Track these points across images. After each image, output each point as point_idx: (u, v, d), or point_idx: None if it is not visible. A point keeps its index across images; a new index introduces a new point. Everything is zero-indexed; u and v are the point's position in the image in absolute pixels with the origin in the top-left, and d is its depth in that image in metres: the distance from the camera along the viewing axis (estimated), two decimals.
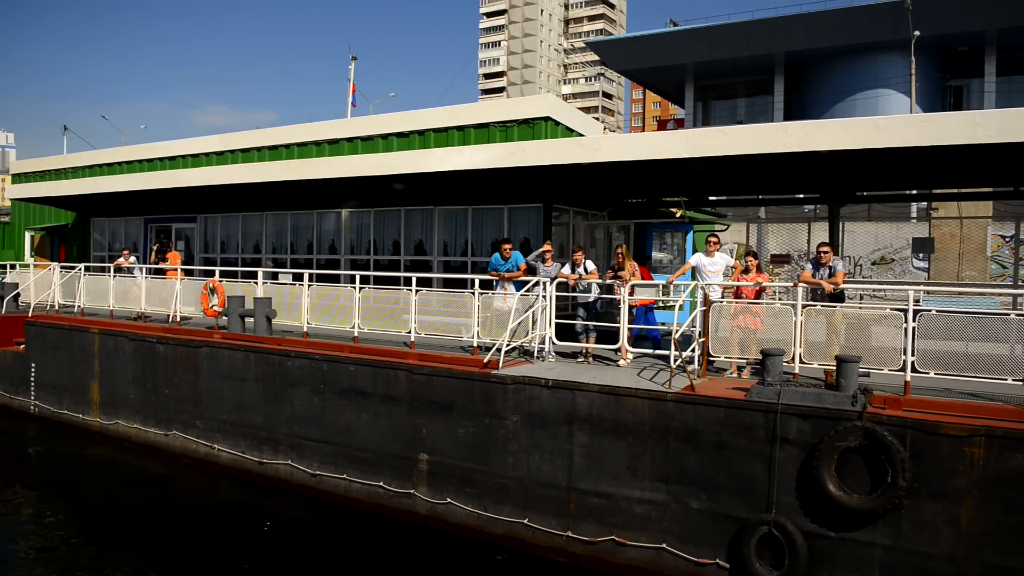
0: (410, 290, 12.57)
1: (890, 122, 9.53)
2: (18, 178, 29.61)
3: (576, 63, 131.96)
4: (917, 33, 35.33)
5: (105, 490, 13.83)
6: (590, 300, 12.03)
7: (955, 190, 16.24)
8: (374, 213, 17.98)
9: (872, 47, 46.00)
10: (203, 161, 22.78)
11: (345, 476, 12.06)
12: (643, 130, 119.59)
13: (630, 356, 11.46)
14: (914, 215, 27.32)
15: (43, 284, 19.49)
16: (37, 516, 12.25)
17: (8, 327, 18.63)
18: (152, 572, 10.00)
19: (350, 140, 19.45)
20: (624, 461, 9.48)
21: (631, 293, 11.38)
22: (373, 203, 17.89)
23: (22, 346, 18.24)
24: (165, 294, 16.48)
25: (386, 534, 11.11)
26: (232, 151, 22.09)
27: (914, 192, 16.34)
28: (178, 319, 15.88)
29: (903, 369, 8.65)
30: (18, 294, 19.30)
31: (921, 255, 22.73)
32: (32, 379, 17.85)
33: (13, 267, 22.67)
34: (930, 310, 8.98)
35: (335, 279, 15.80)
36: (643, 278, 11.95)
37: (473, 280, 12.12)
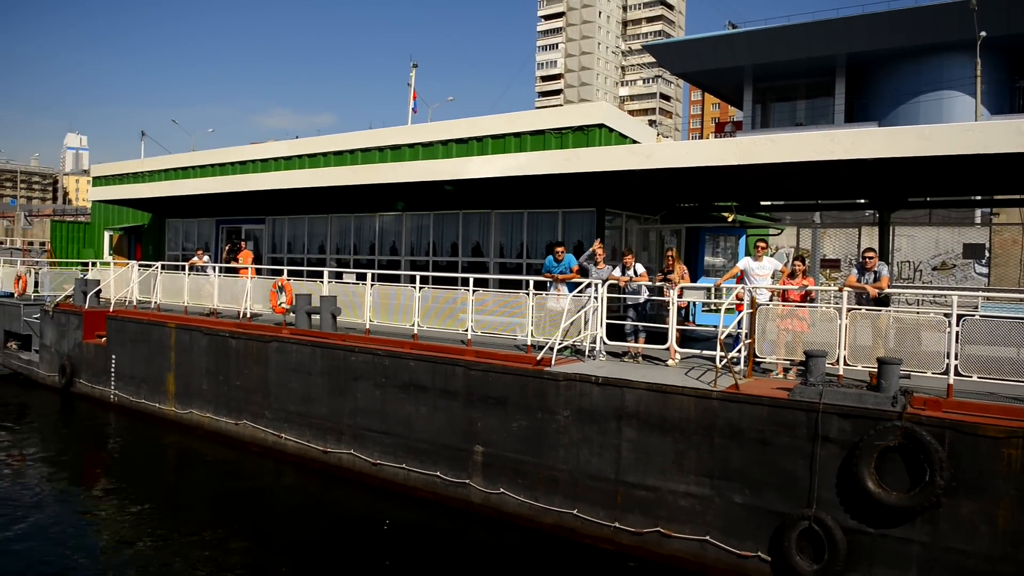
0: (467, 290, 13.07)
1: (935, 131, 9.70)
2: (98, 181, 31.14)
3: (634, 65, 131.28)
4: (983, 34, 34.48)
5: (182, 475, 14.77)
6: (640, 301, 12.45)
7: (1016, 196, 16.06)
8: (433, 216, 18.59)
9: (937, 48, 44.79)
10: (271, 166, 23.70)
11: (404, 466, 12.68)
12: (702, 132, 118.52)
13: (678, 356, 11.83)
14: (978, 220, 26.83)
15: (122, 281, 20.56)
16: (119, 499, 13.16)
17: (91, 321, 19.76)
18: (229, 554, 10.74)
19: (411, 146, 20.05)
20: (670, 456, 9.86)
21: (680, 295, 11.76)
22: (432, 206, 18.47)
23: (103, 339, 19.34)
24: (236, 291, 17.38)
25: (442, 521, 11.70)
26: (299, 156, 22.94)
27: (968, 198, 16.21)
28: (248, 315, 16.78)
29: (946, 372, 8.87)
30: (99, 290, 20.36)
31: (983, 261, 22.39)
32: (112, 370, 18.95)
33: (94, 265, 24.02)
34: (974, 315, 9.16)
35: (396, 279, 16.47)
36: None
37: (528, 281, 12.58)
